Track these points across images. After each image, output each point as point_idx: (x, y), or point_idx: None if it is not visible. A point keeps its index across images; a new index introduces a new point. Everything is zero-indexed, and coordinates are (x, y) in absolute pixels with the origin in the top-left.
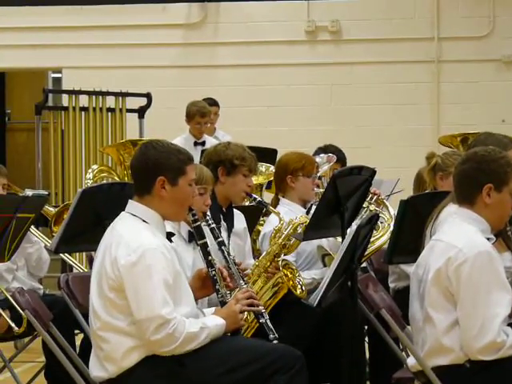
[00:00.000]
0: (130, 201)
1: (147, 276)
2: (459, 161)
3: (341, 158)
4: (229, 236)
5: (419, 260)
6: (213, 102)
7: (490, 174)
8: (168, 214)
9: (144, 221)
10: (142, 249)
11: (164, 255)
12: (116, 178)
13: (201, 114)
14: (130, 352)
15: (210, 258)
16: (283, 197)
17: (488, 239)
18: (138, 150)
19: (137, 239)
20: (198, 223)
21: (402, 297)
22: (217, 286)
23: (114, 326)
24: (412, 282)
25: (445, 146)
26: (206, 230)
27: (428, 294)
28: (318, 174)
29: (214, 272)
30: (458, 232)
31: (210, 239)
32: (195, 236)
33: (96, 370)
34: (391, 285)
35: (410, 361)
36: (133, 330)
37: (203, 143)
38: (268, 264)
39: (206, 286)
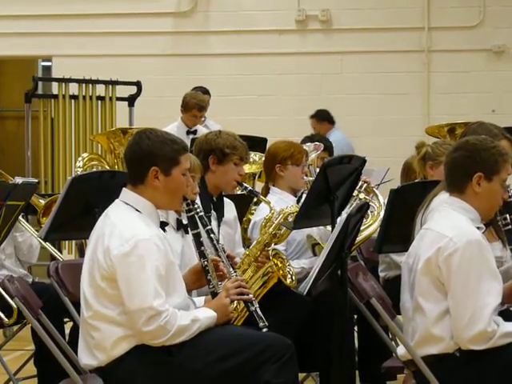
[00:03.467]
0: (123, 189)
1: (140, 267)
2: (450, 149)
3: (327, 147)
4: (219, 225)
5: (410, 249)
6: (204, 91)
7: (481, 162)
8: (161, 203)
9: (137, 210)
10: (135, 239)
11: (157, 246)
12: (106, 166)
13: (199, 107)
14: (120, 341)
15: (202, 248)
16: (273, 186)
17: (478, 228)
18: (131, 139)
19: (130, 229)
20: (192, 213)
21: (391, 286)
22: (208, 277)
23: (104, 315)
24: (403, 272)
25: (432, 137)
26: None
27: (418, 283)
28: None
29: (206, 262)
30: (448, 221)
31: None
32: (189, 225)
33: (85, 357)
34: (381, 274)
35: (400, 350)
36: (123, 320)
37: (195, 132)
38: (258, 253)
39: (200, 279)
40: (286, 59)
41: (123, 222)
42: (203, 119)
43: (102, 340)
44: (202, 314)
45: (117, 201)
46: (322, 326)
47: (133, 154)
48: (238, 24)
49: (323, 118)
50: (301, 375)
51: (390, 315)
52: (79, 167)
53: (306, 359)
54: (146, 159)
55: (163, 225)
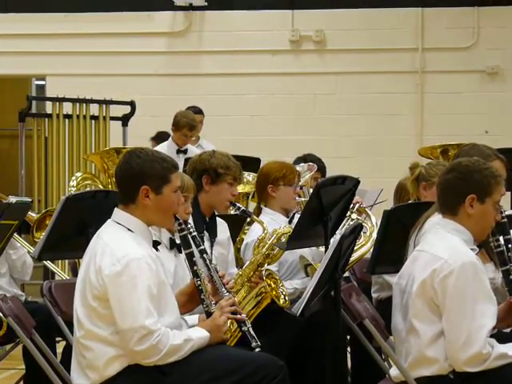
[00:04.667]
0: (115, 209)
1: (132, 286)
2: (443, 171)
3: (320, 168)
4: (211, 246)
5: (402, 271)
6: (198, 111)
7: (474, 184)
8: (153, 221)
9: (129, 229)
10: (126, 258)
11: (149, 265)
12: (100, 185)
13: (190, 126)
14: (113, 361)
15: (195, 267)
16: (265, 206)
17: (471, 250)
18: (121, 158)
19: (122, 248)
20: (185, 232)
21: (384, 307)
22: (202, 296)
23: (96, 335)
24: (394, 293)
25: (425, 158)
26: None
27: (412, 305)
28: (300, 184)
29: (199, 282)
30: (442, 243)
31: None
32: (182, 245)
33: (78, 377)
34: (374, 295)
35: (393, 371)
36: (115, 340)
37: (185, 151)
38: (251, 273)
39: (191, 301)
40: (280, 79)
41: (115, 241)
42: (196, 138)
43: (94, 360)
44: (195, 333)
45: (109, 221)
46: (315, 346)
47: (123, 174)
48: (231, 44)
49: None
50: None
51: (383, 336)
52: (73, 186)
53: (298, 379)
54: (136, 178)
55: (156, 244)
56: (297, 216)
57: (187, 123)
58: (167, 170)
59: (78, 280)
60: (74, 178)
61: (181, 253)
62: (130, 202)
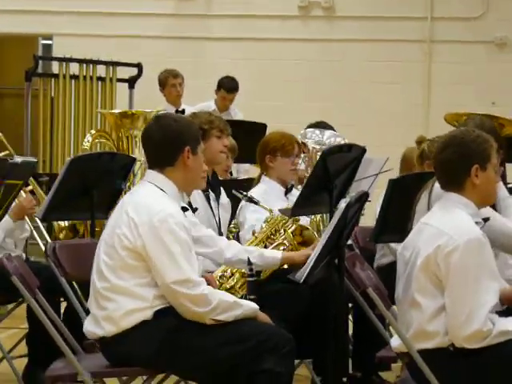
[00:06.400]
0: (149, 171)
1: (172, 240)
2: (437, 149)
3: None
4: (218, 206)
5: (406, 242)
6: (235, 87)
7: (474, 154)
8: (190, 183)
9: (162, 190)
10: (164, 213)
11: (183, 222)
12: (112, 145)
13: (172, 75)
14: (130, 314)
15: None
16: (265, 175)
17: (476, 223)
18: (153, 123)
19: (158, 204)
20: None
21: (386, 272)
22: None
23: (120, 287)
24: (398, 264)
25: (450, 125)
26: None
27: (416, 279)
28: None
29: None
30: (448, 217)
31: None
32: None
33: (92, 326)
34: (378, 262)
35: (394, 341)
36: (137, 292)
37: (183, 111)
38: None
39: None
40: (288, 45)
41: (151, 197)
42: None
43: (113, 311)
44: (244, 301)
45: (142, 181)
46: (318, 314)
47: (163, 136)
48: (240, 8)
49: None
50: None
51: (385, 305)
52: (87, 141)
53: (299, 346)
54: (178, 140)
55: (183, 210)
56: (295, 189)
57: (168, 73)
58: (198, 130)
59: (103, 236)
60: (88, 134)
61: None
62: (168, 164)
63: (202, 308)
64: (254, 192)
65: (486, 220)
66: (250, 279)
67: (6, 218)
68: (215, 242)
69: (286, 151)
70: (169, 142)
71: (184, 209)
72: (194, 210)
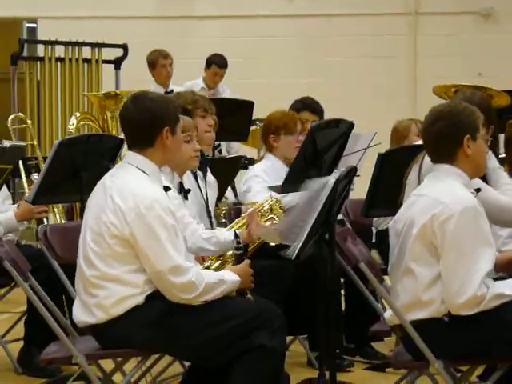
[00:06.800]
0: (129, 152)
1: (159, 226)
2: (426, 124)
3: (318, 110)
4: (205, 186)
5: (398, 215)
6: (225, 63)
7: (463, 126)
8: (169, 162)
9: (144, 172)
10: (150, 199)
11: (169, 206)
12: (97, 127)
13: (163, 55)
14: (122, 301)
15: None
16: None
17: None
18: (130, 103)
19: (142, 189)
20: (241, 252)
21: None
22: None
23: (109, 275)
24: (391, 236)
25: (438, 97)
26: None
27: (411, 248)
28: None
29: None
30: (442, 187)
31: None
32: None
33: (82, 315)
34: (377, 227)
35: (387, 314)
36: (127, 279)
37: (171, 92)
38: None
39: None
40: (274, 22)
41: (134, 183)
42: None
43: (103, 298)
44: (227, 276)
45: (122, 163)
46: (309, 290)
47: (140, 117)
48: None
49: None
50: (288, 338)
51: (378, 279)
52: (72, 125)
53: (292, 322)
54: (157, 121)
55: (166, 189)
56: None
57: (159, 53)
58: (177, 109)
59: (87, 219)
60: (73, 116)
61: (187, 199)
62: (148, 145)
63: (190, 295)
64: (255, 167)
65: (477, 190)
66: (237, 252)
67: (11, 215)
68: (185, 227)
69: (288, 129)
70: (147, 124)
71: (166, 188)
72: (187, 192)
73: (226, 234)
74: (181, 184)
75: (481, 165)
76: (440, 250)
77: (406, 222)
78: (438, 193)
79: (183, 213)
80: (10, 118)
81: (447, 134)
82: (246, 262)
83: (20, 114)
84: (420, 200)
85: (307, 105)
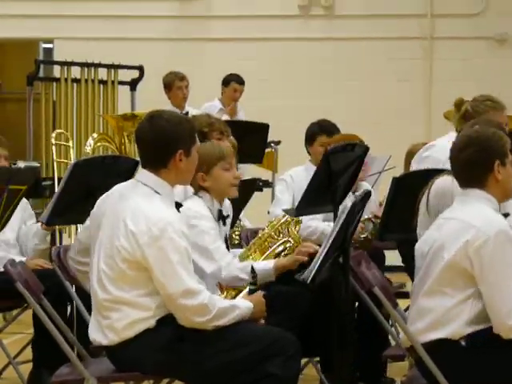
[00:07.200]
0: (142, 170)
1: (172, 250)
2: (455, 151)
3: (334, 133)
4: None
5: (425, 238)
6: (243, 81)
7: (493, 151)
8: (180, 183)
9: (156, 192)
10: (162, 222)
11: (182, 228)
12: (114, 148)
13: (179, 77)
14: (133, 324)
15: None
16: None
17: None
18: (146, 122)
19: (156, 212)
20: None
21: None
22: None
23: (121, 298)
24: (416, 258)
25: (450, 121)
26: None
27: (441, 273)
28: None
29: None
30: (472, 210)
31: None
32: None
33: (96, 334)
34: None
35: (403, 335)
36: (138, 302)
37: (186, 114)
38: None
39: None
40: (288, 45)
41: (147, 205)
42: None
43: (115, 321)
44: (240, 302)
45: (133, 181)
46: (323, 313)
47: (154, 138)
48: (241, 9)
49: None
50: (301, 361)
51: (392, 304)
52: (89, 145)
53: (306, 345)
54: (171, 142)
55: (178, 206)
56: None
57: (175, 75)
58: (192, 130)
59: (98, 241)
60: (90, 137)
61: (225, 225)
62: (161, 165)
63: (203, 317)
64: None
65: (505, 215)
66: (252, 288)
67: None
68: (221, 258)
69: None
70: (161, 145)
71: (178, 205)
72: (225, 218)
73: (261, 264)
74: (220, 211)
75: (509, 189)
76: (478, 276)
77: (434, 244)
78: (468, 216)
79: (219, 244)
80: (54, 134)
81: (477, 159)
82: (260, 292)
83: (63, 130)
84: (449, 223)
85: (324, 128)
